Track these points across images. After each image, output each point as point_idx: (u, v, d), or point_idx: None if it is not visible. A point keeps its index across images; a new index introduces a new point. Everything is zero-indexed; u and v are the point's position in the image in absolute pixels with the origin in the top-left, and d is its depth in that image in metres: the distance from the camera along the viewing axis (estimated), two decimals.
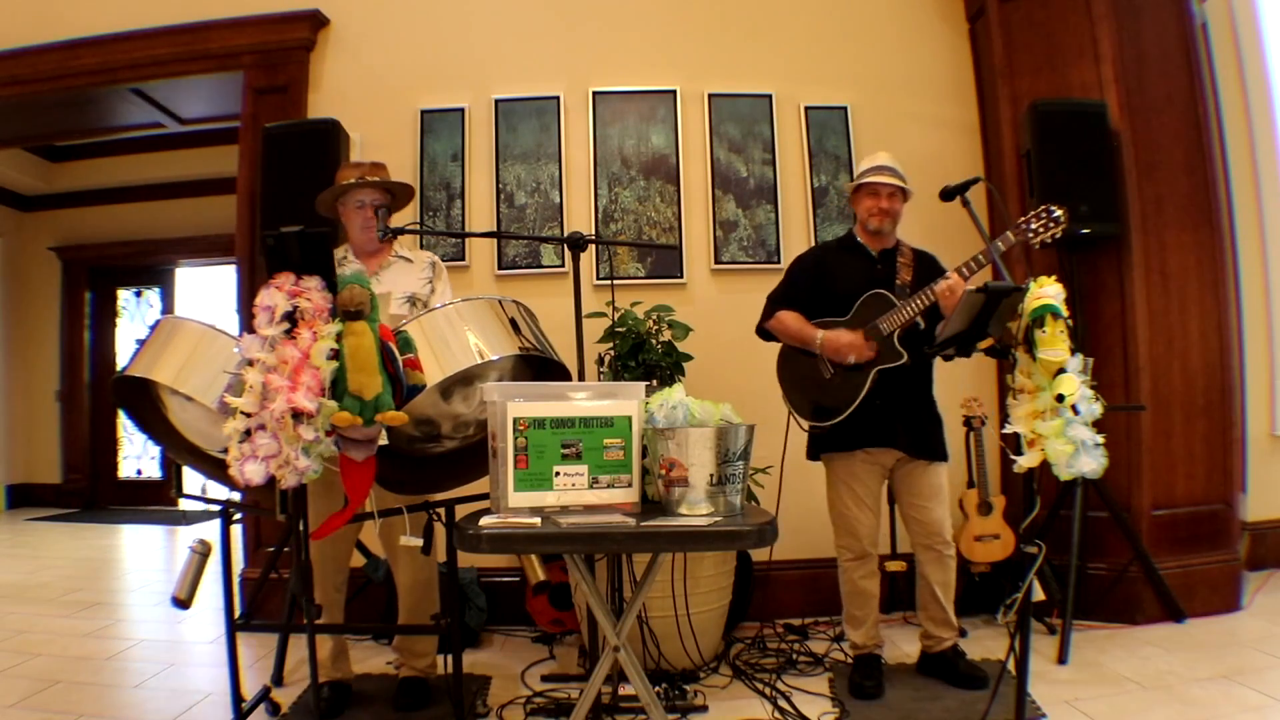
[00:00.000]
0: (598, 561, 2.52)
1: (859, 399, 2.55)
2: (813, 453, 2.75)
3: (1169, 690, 2.49)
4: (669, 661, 2.74)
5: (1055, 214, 2.33)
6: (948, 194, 2.34)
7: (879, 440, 2.62)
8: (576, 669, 2.91)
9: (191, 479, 2.31)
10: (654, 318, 3.17)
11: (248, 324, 1.83)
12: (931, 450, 2.64)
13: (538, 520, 1.72)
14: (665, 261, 3.64)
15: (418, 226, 3.47)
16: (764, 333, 2.80)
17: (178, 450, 2.19)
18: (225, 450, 1.78)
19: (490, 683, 2.79)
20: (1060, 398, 1.83)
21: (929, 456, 2.63)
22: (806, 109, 3.71)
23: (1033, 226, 2.35)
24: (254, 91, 3.69)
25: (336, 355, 1.77)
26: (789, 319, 2.70)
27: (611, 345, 3.14)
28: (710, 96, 3.70)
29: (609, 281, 3.37)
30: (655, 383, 2.97)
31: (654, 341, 3.13)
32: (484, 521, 1.72)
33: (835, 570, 2.75)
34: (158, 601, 3.93)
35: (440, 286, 2.60)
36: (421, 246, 3.53)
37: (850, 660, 2.76)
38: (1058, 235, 2.33)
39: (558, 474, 1.83)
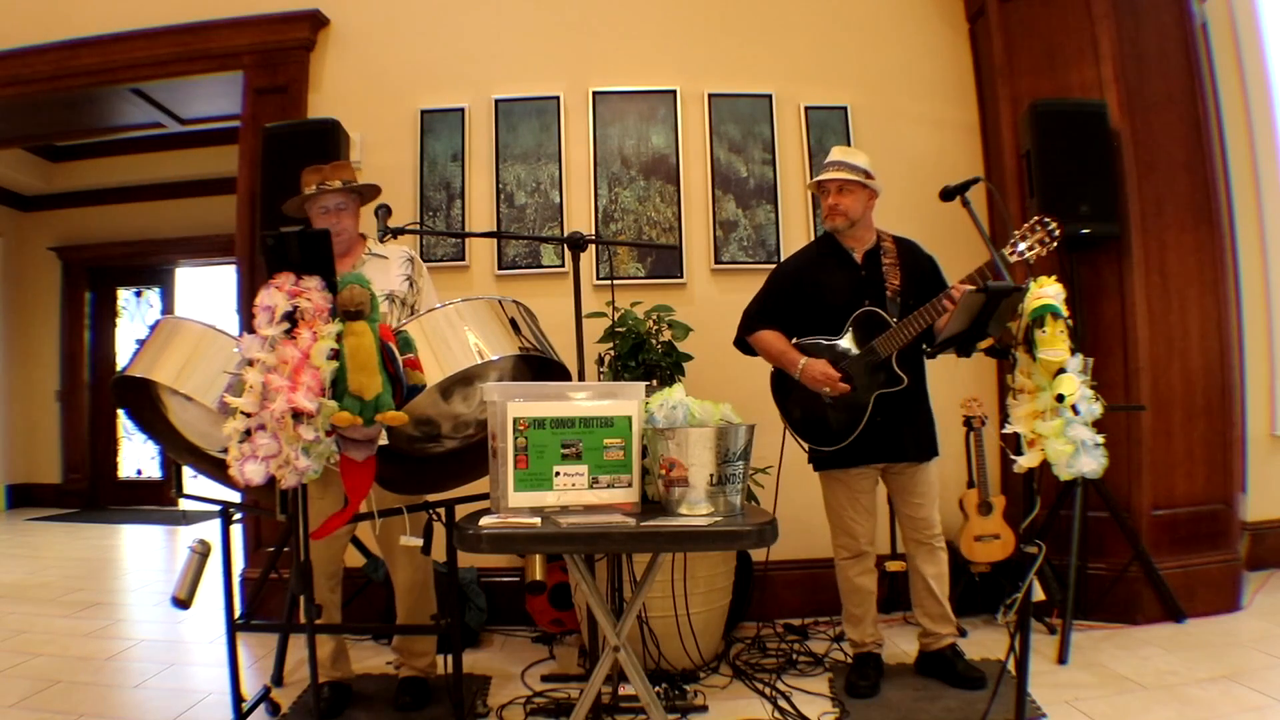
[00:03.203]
0: (598, 561, 2.53)
1: (861, 424, 2.54)
2: (817, 466, 2.71)
3: (1169, 690, 2.49)
4: (669, 661, 2.74)
5: (1050, 227, 2.27)
6: (948, 194, 2.33)
7: (884, 456, 2.62)
8: (576, 669, 2.90)
9: (192, 479, 2.31)
10: (654, 318, 3.17)
11: (248, 324, 1.83)
12: (929, 451, 2.66)
13: (538, 520, 1.72)
14: (665, 261, 3.64)
15: (418, 226, 3.47)
16: (743, 345, 2.77)
17: (178, 450, 2.19)
18: (225, 450, 1.78)
19: (490, 683, 2.79)
20: (1060, 398, 1.84)
21: (928, 458, 2.65)
22: (806, 109, 3.71)
23: (1025, 242, 2.29)
24: (254, 91, 3.69)
25: (336, 355, 1.77)
26: (770, 340, 2.66)
27: (611, 345, 3.14)
28: (710, 96, 3.70)
29: (609, 281, 3.37)
30: (655, 383, 2.97)
31: (654, 341, 3.13)
32: (484, 521, 1.72)
33: (835, 570, 2.75)
34: (158, 601, 3.93)
35: (424, 284, 2.58)
36: (422, 246, 3.54)
37: (850, 659, 2.76)
38: (1052, 248, 2.29)
39: (558, 474, 1.83)
